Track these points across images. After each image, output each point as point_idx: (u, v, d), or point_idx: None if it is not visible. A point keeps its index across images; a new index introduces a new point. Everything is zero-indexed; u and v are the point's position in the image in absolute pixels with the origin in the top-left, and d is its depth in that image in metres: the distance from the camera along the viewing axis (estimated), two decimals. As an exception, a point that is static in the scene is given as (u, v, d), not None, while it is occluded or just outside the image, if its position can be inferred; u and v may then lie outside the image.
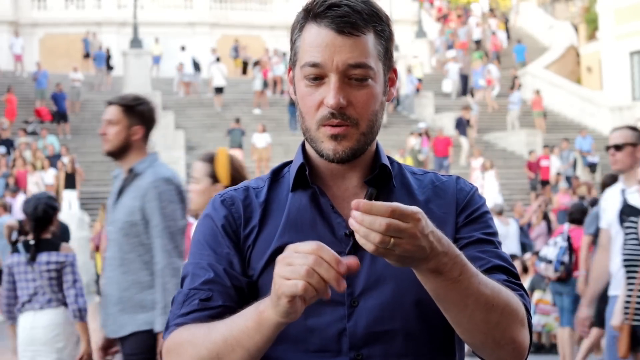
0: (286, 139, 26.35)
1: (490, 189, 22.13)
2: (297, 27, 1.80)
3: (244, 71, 35.15)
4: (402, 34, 35.10)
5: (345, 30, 1.73)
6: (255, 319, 1.60)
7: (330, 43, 1.73)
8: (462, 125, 26.48)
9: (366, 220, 1.50)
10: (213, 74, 30.69)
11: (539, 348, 11.36)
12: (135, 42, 30.61)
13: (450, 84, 32.69)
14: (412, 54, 33.45)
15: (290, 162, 1.92)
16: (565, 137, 27.24)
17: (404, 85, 31.27)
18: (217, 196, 1.88)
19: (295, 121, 28.25)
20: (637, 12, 29.91)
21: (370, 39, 1.75)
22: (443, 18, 39.43)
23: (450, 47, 35.05)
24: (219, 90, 30.51)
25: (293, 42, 1.82)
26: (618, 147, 5.67)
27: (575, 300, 9.28)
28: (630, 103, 30.56)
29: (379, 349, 1.75)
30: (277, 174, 1.91)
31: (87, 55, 33.33)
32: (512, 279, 1.80)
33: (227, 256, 1.81)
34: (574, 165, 25.35)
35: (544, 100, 30.45)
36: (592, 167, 26.00)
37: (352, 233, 1.74)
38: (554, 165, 24.49)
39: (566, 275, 9.35)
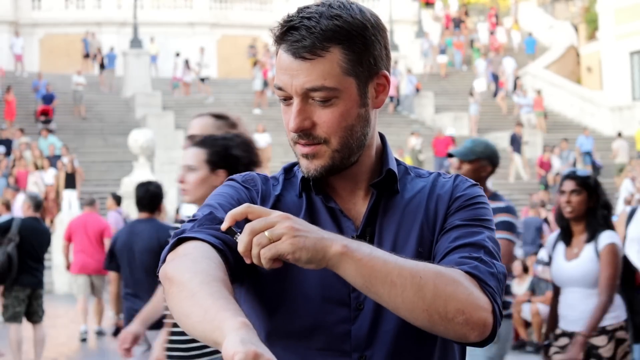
0: (286, 139, 26.21)
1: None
2: (275, 47, 1.82)
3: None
4: (402, 34, 35.11)
5: (299, 54, 1.72)
6: (217, 326, 1.53)
7: (288, 67, 1.74)
8: (516, 142, 26.25)
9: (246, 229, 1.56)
10: (201, 67, 30.80)
11: (539, 348, 11.36)
12: (135, 42, 30.61)
13: (483, 83, 32.29)
14: (412, 55, 33.50)
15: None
16: (565, 137, 27.25)
17: (404, 86, 31.28)
18: (238, 176, 1.90)
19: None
20: (637, 12, 29.91)
21: (331, 59, 1.72)
22: (454, 22, 38.82)
23: (442, 51, 34.57)
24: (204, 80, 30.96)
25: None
26: None
27: None
28: (630, 103, 30.55)
29: (383, 350, 1.75)
30: (288, 172, 1.92)
31: (86, 56, 33.31)
32: (472, 254, 1.74)
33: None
34: (574, 165, 25.35)
35: (544, 100, 30.49)
36: (595, 167, 25.95)
37: (359, 236, 1.78)
38: (554, 165, 24.49)
39: None
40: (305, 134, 1.75)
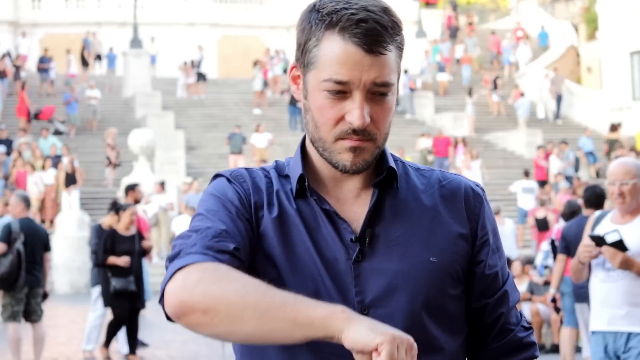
0: (286, 139, 26.32)
1: (475, 180, 22.35)
2: (314, 34, 1.73)
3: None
4: (402, 34, 35.07)
5: (374, 49, 1.69)
6: (307, 320, 1.54)
7: (358, 62, 1.69)
8: None
9: None
10: (202, 65, 30.84)
11: (539, 348, 11.34)
12: (135, 42, 30.62)
13: (542, 109, 31.36)
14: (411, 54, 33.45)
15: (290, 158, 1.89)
16: (565, 137, 27.26)
17: (403, 86, 31.28)
18: (226, 172, 1.85)
19: (295, 121, 28.27)
20: (637, 12, 29.90)
21: (393, 55, 1.73)
22: (451, 29, 38.23)
23: (442, 69, 34.05)
24: (202, 77, 30.97)
25: (306, 47, 1.75)
26: None
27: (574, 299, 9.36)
28: (630, 103, 30.55)
29: None
30: (281, 169, 1.87)
31: (84, 62, 33.18)
32: (518, 322, 1.92)
33: (239, 217, 1.77)
34: (576, 165, 25.34)
35: (523, 93, 30.76)
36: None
37: (357, 239, 1.75)
38: (554, 165, 24.49)
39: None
40: (362, 131, 1.72)
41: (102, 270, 10.25)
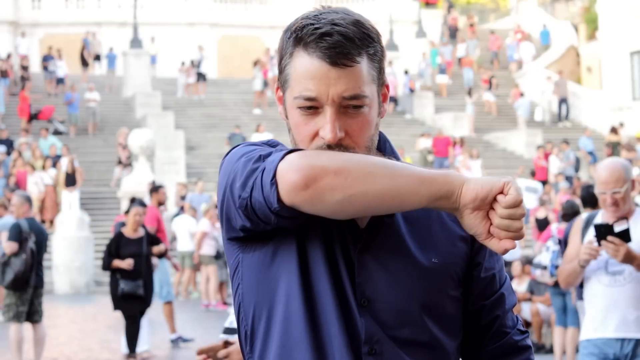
0: (286, 139, 26.03)
1: None
2: (287, 52, 1.74)
3: None
4: (402, 34, 35.11)
5: (338, 62, 1.68)
6: (430, 177, 1.63)
7: (324, 76, 1.69)
8: None
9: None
10: (202, 65, 30.87)
11: (539, 348, 11.36)
12: (135, 42, 30.61)
13: (540, 112, 30.95)
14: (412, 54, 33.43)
15: None
16: (565, 137, 27.26)
17: (403, 86, 31.28)
18: (258, 142, 1.85)
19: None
20: (637, 12, 29.90)
21: (364, 66, 1.71)
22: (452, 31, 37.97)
23: (442, 71, 33.77)
24: (202, 77, 30.99)
25: (282, 67, 1.76)
26: None
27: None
28: (630, 103, 30.55)
29: (387, 351, 1.75)
30: None
31: (84, 62, 33.14)
32: (515, 325, 1.95)
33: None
34: (576, 165, 25.34)
35: (521, 92, 30.76)
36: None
37: (364, 230, 1.77)
38: (554, 165, 24.49)
39: None
40: (337, 145, 1.71)
41: (110, 273, 10.15)
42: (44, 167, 22.16)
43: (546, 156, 24.76)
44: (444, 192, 1.60)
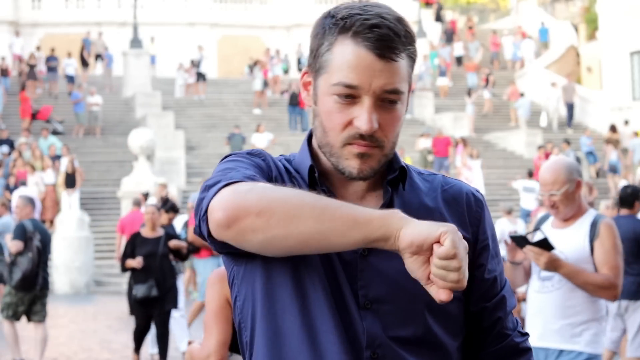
0: (286, 139, 26.33)
1: (476, 180, 22.39)
2: (327, 39, 1.74)
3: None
4: (402, 34, 35.06)
5: (386, 55, 1.70)
6: (365, 219, 1.58)
7: (369, 66, 1.70)
8: None
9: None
10: (202, 65, 30.87)
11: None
12: (135, 42, 30.62)
13: (545, 118, 30.49)
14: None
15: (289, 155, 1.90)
16: (565, 137, 27.26)
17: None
18: (242, 152, 1.85)
19: (295, 121, 28.29)
20: (637, 12, 29.90)
21: (404, 63, 1.73)
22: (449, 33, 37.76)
23: (443, 73, 33.38)
24: (202, 77, 30.96)
25: (318, 51, 1.76)
26: None
27: None
28: (630, 103, 30.56)
29: (392, 352, 1.75)
30: (289, 162, 1.88)
31: (84, 62, 33.14)
32: (514, 327, 1.95)
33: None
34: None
35: (519, 91, 30.77)
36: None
37: None
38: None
39: None
40: (369, 136, 1.72)
41: (128, 277, 9.84)
42: (42, 168, 22.16)
43: (547, 156, 24.75)
44: (379, 236, 1.57)
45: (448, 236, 1.52)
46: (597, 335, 4.47)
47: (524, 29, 38.11)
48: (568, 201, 4.45)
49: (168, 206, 11.32)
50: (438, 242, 1.54)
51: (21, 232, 9.49)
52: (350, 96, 1.72)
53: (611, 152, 25.59)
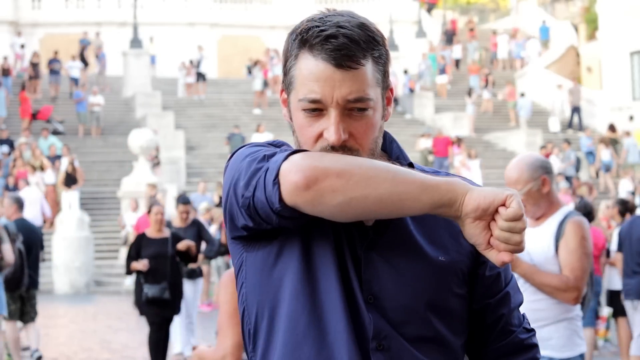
0: (286, 139, 26.22)
1: (475, 180, 22.38)
2: (292, 55, 1.75)
3: None
4: (402, 34, 35.11)
5: (343, 64, 1.69)
6: (434, 184, 1.63)
7: (329, 78, 1.69)
8: None
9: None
10: (201, 65, 30.87)
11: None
12: (135, 42, 30.61)
13: (556, 122, 30.00)
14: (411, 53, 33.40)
15: None
16: (566, 137, 27.25)
17: (403, 86, 31.28)
18: (262, 142, 1.86)
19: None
20: (637, 12, 29.91)
21: (368, 69, 1.72)
22: (449, 34, 37.59)
23: (442, 71, 33.47)
24: (202, 77, 30.95)
25: (287, 69, 1.77)
26: None
27: (598, 299, 9.70)
28: (630, 103, 30.56)
29: (394, 348, 1.76)
30: None
31: (84, 61, 33.11)
32: (521, 324, 1.96)
33: None
34: (577, 165, 25.33)
35: (517, 91, 30.77)
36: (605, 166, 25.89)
37: (371, 228, 1.77)
38: (555, 165, 24.49)
39: None
40: (341, 147, 1.72)
41: (135, 278, 9.39)
42: (42, 168, 22.15)
43: (547, 156, 24.76)
44: (446, 200, 1.62)
45: (514, 198, 1.58)
46: (570, 337, 4.20)
47: (523, 29, 38.11)
48: (534, 200, 4.22)
49: (182, 199, 10.89)
50: (503, 205, 1.60)
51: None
52: (317, 109, 1.73)
53: (603, 150, 25.67)
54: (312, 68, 1.71)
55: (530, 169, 4.23)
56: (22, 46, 31.92)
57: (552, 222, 4.26)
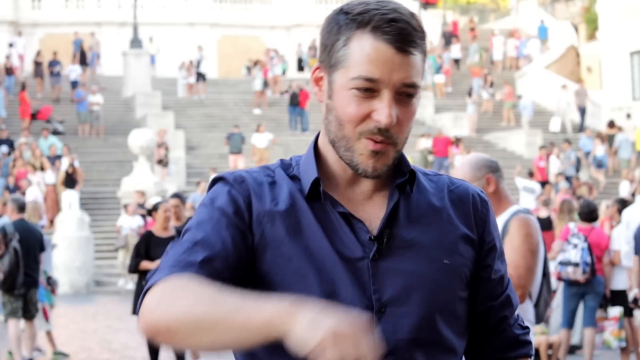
0: (286, 139, 26.34)
1: None
2: (343, 34, 1.74)
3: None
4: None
5: (404, 48, 1.71)
6: (256, 325, 1.52)
7: (389, 60, 1.70)
8: None
9: None
10: (201, 65, 30.87)
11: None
12: (135, 42, 30.62)
13: (558, 122, 29.84)
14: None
15: (294, 157, 1.88)
16: (566, 137, 27.25)
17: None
18: (228, 175, 1.83)
19: (295, 121, 28.29)
20: (637, 12, 29.91)
21: (419, 58, 1.75)
22: (450, 36, 37.49)
23: (438, 71, 33.39)
24: (202, 77, 30.98)
25: (334, 47, 1.75)
26: None
27: (600, 299, 9.60)
28: (630, 103, 30.56)
29: (404, 356, 1.74)
30: (288, 168, 1.85)
31: (83, 61, 33.11)
32: (517, 323, 1.95)
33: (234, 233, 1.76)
34: (577, 165, 25.33)
35: (515, 91, 30.77)
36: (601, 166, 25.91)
37: (376, 238, 1.76)
38: (554, 165, 24.48)
39: (590, 275, 9.38)
40: (386, 130, 1.72)
41: (137, 277, 9.14)
42: (42, 168, 22.15)
43: (547, 156, 24.75)
44: (276, 338, 1.51)
45: (327, 349, 1.44)
46: None
47: (523, 29, 38.10)
48: None
49: (174, 194, 10.73)
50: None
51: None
52: (370, 90, 1.72)
53: (598, 146, 25.73)
54: (372, 48, 1.71)
55: (474, 169, 4.17)
56: (11, 45, 31.85)
57: (499, 221, 4.15)
